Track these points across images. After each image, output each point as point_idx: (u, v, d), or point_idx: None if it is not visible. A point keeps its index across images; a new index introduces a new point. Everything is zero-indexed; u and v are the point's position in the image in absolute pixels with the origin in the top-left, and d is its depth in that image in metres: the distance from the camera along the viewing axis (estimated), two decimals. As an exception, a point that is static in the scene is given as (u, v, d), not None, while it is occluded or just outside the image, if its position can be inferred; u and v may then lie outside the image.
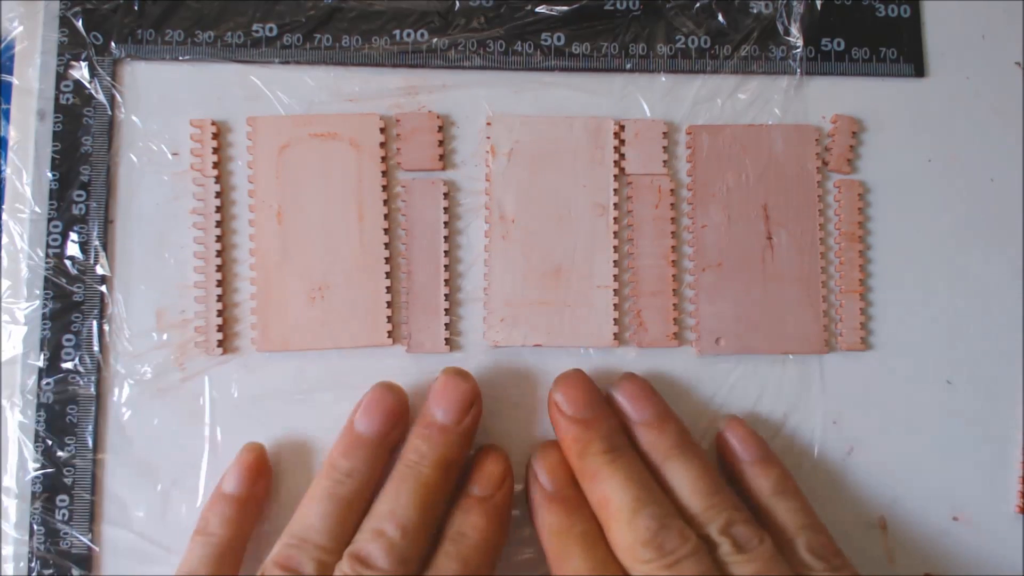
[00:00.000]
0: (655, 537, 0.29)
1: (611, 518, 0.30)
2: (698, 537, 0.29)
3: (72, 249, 0.34)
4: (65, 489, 0.34)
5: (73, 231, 0.35)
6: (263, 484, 0.33)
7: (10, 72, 0.35)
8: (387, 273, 0.35)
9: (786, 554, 0.30)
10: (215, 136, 0.35)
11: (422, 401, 0.33)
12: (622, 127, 0.36)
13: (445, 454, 0.31)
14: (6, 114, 0.35)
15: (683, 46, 0.36)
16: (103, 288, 0.35)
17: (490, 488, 0.32)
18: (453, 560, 0.30)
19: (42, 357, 0.34)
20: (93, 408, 0.34)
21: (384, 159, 0.35)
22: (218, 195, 0.35)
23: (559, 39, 0.36)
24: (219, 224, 0.35)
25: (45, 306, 0.34)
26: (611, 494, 0.30)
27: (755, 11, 0.36)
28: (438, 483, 0.31)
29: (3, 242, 0.35)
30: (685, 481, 0.31)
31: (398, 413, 0.33)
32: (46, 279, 0.34)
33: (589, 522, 0.31)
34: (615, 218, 0.35)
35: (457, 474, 0.32)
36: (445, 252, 0.35)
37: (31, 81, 0.35)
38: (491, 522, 0.31)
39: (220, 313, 0.35)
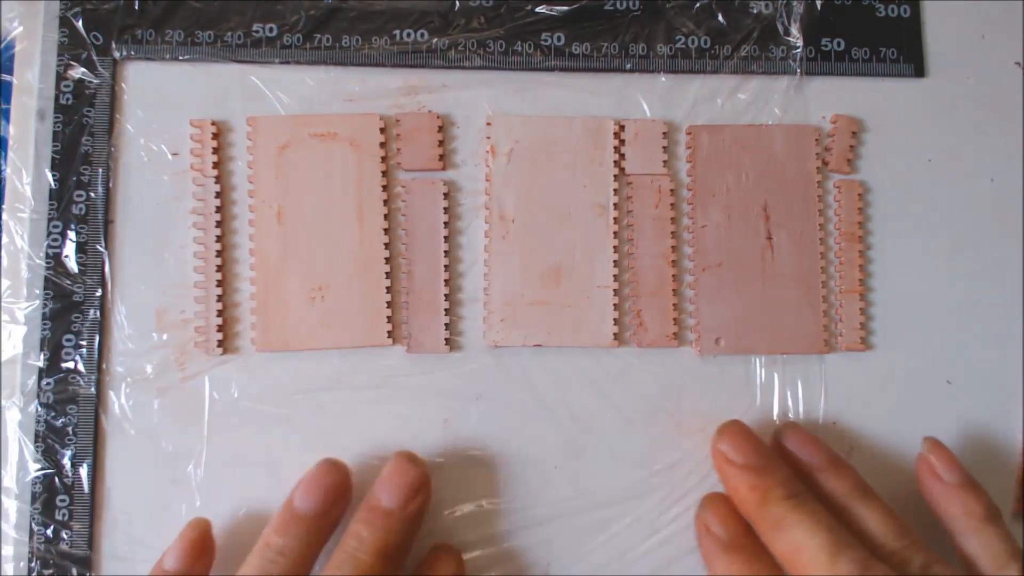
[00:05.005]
0: None
1: (807, 566, 0.29)
2: None
3: (72, 249, 0.34)
4: (65, 489, 0.34)
5: (73, 231, 0.35)
6: (204, 563, 0.32)
7: (10, 72, 0.35)
8: (387, 273, 0.35)
9: None
10: (215, 136, 0.35)
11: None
12: (622, 127, 0.36)
13: (387, 540, 0.30)
14: (6, 114, 0.35)
15: (683, 46, 0.36)
16: (103, 288, 0.35)
17: None
18: None
19: (42, 357, 0.34)
20: (93, 408, 0.34)
21: (384, 159, 0.35)
22: (218, 195, 0.35)
23: (559, 39, 0.36)
24: (219, 224, 0.35)
25: (45, 306, 0.34)
26: (803, 541, 0.30)
27: (755, 11, 0.36)
28: (376, 571, 0.30)
29: (3, 242, 0.34)
30: (873, 523, 0.31)
31: (339, 491, 0.32)
32: (46, 279, 0.34)
33: (772, 570, 0.31)
34: (615, 218, 0.35)
35: (402, 562, 0.31)
36: (445, 252, 0.35)
37: (31, 81, 0.35)
38: None
39: (220, 313, 0.35)
